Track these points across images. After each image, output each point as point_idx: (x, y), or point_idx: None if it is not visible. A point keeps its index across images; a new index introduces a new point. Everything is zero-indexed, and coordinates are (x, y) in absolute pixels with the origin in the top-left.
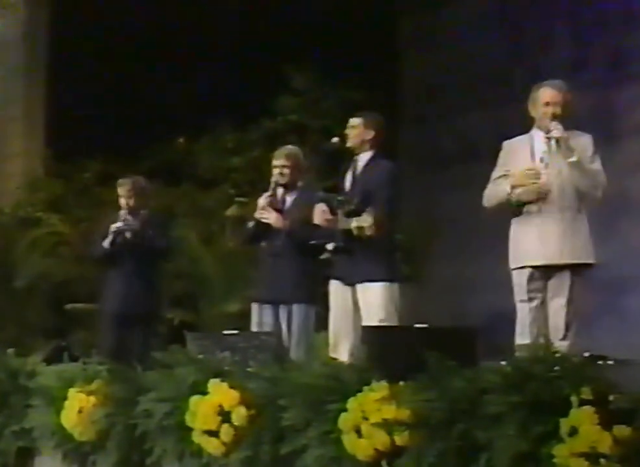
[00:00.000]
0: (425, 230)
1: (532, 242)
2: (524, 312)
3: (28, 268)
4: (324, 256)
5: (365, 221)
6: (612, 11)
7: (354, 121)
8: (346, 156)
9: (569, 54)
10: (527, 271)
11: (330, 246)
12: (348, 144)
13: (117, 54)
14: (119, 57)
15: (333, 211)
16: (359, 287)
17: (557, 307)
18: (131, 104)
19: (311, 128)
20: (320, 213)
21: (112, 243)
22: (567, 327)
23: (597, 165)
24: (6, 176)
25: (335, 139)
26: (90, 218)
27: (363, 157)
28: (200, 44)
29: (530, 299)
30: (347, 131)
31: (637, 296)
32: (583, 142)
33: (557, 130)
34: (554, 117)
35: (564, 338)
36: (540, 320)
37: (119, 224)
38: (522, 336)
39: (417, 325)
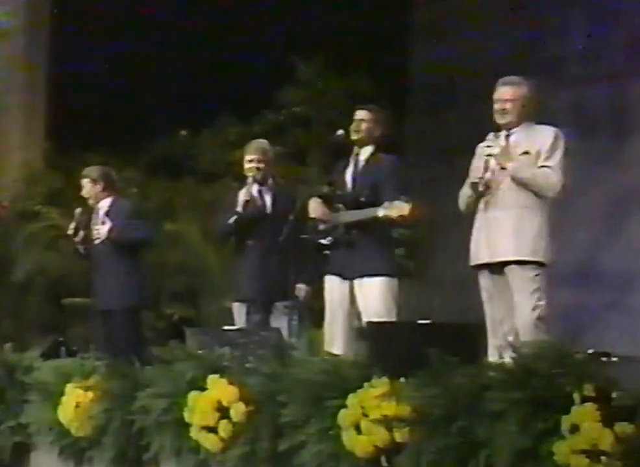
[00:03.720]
0: (430, 224)
1: (478, 241)
2: (486, 311)
3: (26, 262)
4: (325, 251)
5: (398, 208)
6: (628, 1)
7: (364, 114)
8: (351, 149)
9: (583, 46)
10: (482, 270)
11: (325, 241)
12: (354, 136)
13: (119, 46)
14: (121, 49)
15: (329, 206)
16: (357, 281)
17: (516, 306)
18: (132, 97)
19: (316, 121)
20: (315, 207)
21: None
22: (525, 325)
23: (552, 162)
24: (4, 169)
25: (340, 132)
26: (89, 212)
27: (366, 151)
28: (203, 34)
29: (487, 299)
30: (355, 123)
31: None
32: (539, 136)
33: (490, 143)
34: (503, 113)
35: (523, 336)
36: (500, 319)
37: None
38: (490, 336)
39: (420, 321)
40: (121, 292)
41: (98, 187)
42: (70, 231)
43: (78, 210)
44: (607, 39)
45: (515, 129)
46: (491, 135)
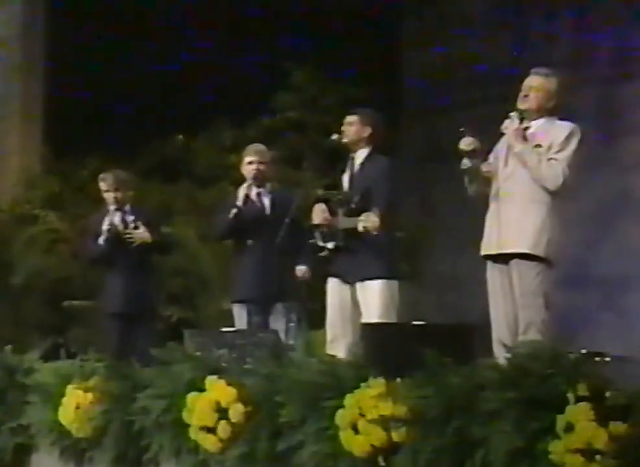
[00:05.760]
0: (424, 226)
1: (487, 232)
2: (490, 305)
3: (26, 266)
4: (323, 254)
5: (371, 221)
6: (616, 7)
7: (351, 118)
8: (345, 154)
9: (573, 50)
10: (487, 262)
11: (329, 245)
12: (345, 141)
13: (115, 51)
14: (117, 54)
15: (331, 210)
16: (358, 284)
17: (518, 302)
18: (129, 101)
19: (310, 125)
20: (319, 213)
21: (107, 240)
22: (526, 321)
23: (560, 156)
24: (3, 173)
25: (334, 136)
26: (88, 216)
27: (360, 155)
28: (198, 40)
29: (492, 292)
30: (344, 128)
31: (636, 293)
32: (555, 131)
33: (506, 123)
34: (525, 99)
35: (524, 332)
36: (504, 314)
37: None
38: (494, 332)
39: (415, 322)
40: (150, 295)
41: (122, 192)
42: (105, 227)
43: (112, 207)
44: (595, 44)
45: (535, 122)
46: (513, 113)
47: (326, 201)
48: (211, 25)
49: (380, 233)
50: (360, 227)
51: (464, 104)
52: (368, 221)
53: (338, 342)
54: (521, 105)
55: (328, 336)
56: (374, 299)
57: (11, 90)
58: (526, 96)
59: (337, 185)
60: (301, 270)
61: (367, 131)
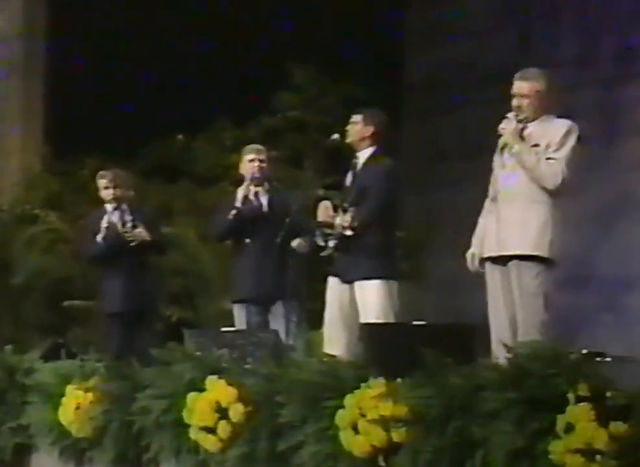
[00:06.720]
0: (425, 227)
1: (487, 233)
2: (489, 307)
3: (26, 265)
4: (324, 253)
5: (344, 220)
6: (619, 7)
7: (355, 118)
8: (345, 154)
9: (575, 51)
10: (487, 263)
11: (330, 244)
12: (348, 140)
13: (116, 50)
14: (118, 53)
15: (336, 209)
16: (356, 284)
17: (518, 303)
18: (129, 101)
19: (311, 125)
20: (324, 211)
21: (105, 238)
22: (526, 322)
23: (558, 155)
24: (3, 173)
25: (335, 136)
26: (88, 216)
27: (363, 154)
28: (198, 40)
29: (491, 294)
30: (348, 127)
31: (636, 293)
32: (552, 129)
33: (503, 123)
34: (519, 109)
35: (523, 333)
36: (504, 314)
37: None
38: (493, 333)
39: (415, 323)
40: (149, 295)
41: (121, 189)
42: (104, 225)
43: (110, 206)
44: (596, 45)
45: (531, 123)
46: (511, 114)
47: (330, 200)
48: (211, 25)
49: (358, 233)
50: (338, 226)
51: (464, 104)
52: (342, 220)
53: (336, 341)
54: (520, 116)
55: (325, 335)
56: (371, 299)
57: (11, 90)
58: (519, 106)
59: (340, 184)
60: (300, 244)
61: (370, 130)
